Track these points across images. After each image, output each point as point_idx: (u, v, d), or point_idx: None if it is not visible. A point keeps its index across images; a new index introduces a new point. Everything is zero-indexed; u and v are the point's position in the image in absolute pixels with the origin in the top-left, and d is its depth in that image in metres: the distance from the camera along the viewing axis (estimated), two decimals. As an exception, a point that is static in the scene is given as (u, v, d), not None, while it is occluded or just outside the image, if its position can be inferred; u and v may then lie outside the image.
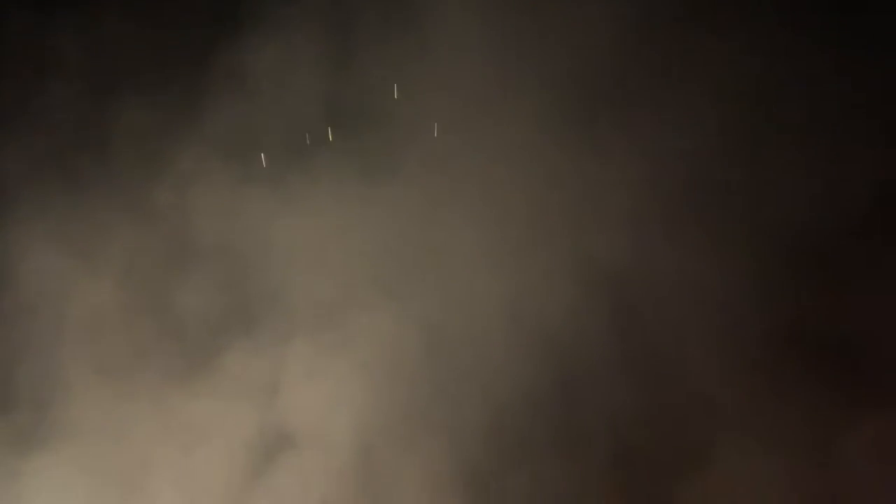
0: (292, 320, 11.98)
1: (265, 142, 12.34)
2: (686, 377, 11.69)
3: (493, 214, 12.08)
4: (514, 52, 12.22)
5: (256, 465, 11.74)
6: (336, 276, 12.04)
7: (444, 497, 11.61)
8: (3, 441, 11.81)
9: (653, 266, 11.88)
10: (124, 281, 12.20)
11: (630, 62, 12.09)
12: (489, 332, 11.85)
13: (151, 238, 12.25)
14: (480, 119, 12.18)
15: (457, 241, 12.02)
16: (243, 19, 12.42)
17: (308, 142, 12.16)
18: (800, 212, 11.74)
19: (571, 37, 12.12)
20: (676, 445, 11.61)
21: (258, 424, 11.78)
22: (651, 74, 12.10)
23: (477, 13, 12.22)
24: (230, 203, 12.22)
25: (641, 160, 12.00)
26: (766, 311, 11.76)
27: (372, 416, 11.73)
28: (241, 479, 11.71)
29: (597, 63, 12.05)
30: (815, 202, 11.73)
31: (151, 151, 12.33)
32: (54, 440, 11.77)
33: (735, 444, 11.53)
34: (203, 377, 11.85)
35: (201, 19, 12.48)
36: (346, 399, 11.77)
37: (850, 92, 11.88)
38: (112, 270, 12.19)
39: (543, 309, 11.88)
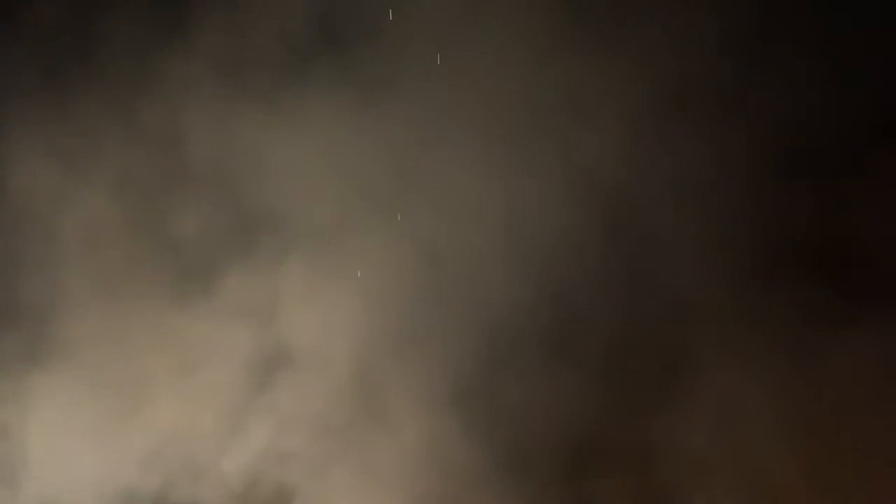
0: (289, 240, 12.03)
1: (258, 57, 12.21)
2: (680, 287, 11.79)
3: (488, 131, 12.04)
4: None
5: (256, 383, 11.92)
6: (332, 196, 12.04)
7: (440, 412, 11.85)
8: (4, 356, 11.96)
9: (646, 175, 11.91)
10: (118, 195, 12.17)
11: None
12: (484, 249, 11.92)
13: (144, 153, 12.17)
14: (475, 35, 12.04)
15: (452, 159, 12.00)
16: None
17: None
18: (797, 120, 11.74)
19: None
20: (671, 356, 11.75)
21: (257, 343, 11.93)
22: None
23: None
24: (223, 120, 12.12)
25: (638, 69, 11.92)
26: (761, 220, 11.81)
27: (368, 334, 11.88)
28: (241, 397, 11.91)
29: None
30: (812, 110, 11.72)
31: (142, 65, 12.18)
32: (54, 357, 11.91)
33: (729, 352, 11.66)
34: (201, 297, 11.94)
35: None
36: (343, 318, 11.90)
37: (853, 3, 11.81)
38: (105, 185, 12.15)
39: (538, 224, 11.93)
